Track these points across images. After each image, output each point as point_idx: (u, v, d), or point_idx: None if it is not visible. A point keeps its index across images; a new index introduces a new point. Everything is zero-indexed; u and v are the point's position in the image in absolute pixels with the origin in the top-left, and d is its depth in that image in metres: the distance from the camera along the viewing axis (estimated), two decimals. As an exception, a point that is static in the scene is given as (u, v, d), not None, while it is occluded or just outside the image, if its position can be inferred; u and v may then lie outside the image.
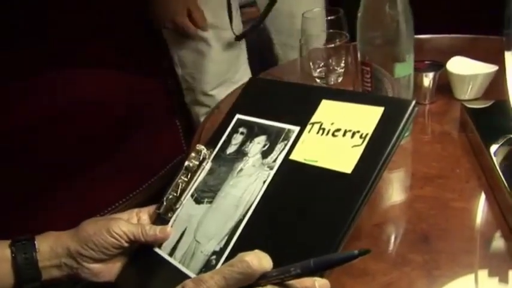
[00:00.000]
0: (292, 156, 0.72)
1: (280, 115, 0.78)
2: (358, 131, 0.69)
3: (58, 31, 1.79)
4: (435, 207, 0.75)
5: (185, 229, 0.75)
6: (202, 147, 0.82)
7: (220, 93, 1.61)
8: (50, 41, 1.79)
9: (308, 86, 0.94)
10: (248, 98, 0.87)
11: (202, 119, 1.62)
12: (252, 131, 0.80)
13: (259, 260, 0.55)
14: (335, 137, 0.71)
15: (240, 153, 0.78)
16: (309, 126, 0.75)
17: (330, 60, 1.00)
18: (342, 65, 1.01)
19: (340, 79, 1.02)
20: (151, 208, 0.81)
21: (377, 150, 0.66)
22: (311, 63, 1.01)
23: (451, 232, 0.70)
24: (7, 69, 1.71)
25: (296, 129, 0.75)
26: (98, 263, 0.74)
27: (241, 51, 1.65)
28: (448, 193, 0.77)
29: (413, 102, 0.67)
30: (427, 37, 1.29)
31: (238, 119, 0.84)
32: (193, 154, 0.81)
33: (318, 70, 1.01)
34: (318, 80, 1.02)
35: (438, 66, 1.00)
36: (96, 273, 0.74)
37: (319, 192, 0.66)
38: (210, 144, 0.83)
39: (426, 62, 1.01)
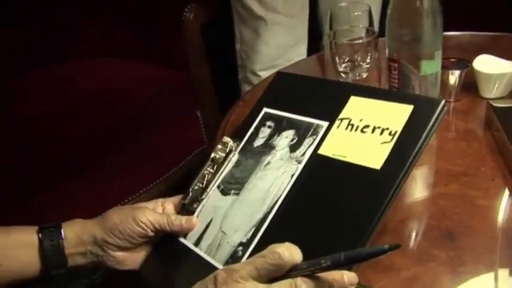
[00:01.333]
0: (321, 151, 0.73)
1: (309, 110, 0.79)
2: (387, 128, 0.70)
3: (81, 22, 1.82)
4: (460, 204, 0.75)
5: (211, 220, 0.76)
6: (229, 139, 0.83)
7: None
8: (73, 31, 1.81)
9: (336, 82, 0.95)
10: (275, 92, 0.88)
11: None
12: (280, 125, 0.80)
13: (290, 252, 0.56)
14: (364, 133, 0.72)
15: (268, 147, 0.78)
16: (337, 122, 0.75)
17: (356, 56, 1.01)
18: (368, 60, 1.01)
19: (365, 75, 1.02)
20: (176, 198, 0.81)
21: (406, 148, 0.67)
22: (337, 58, 1.01)
23: (476, 230, 0.71)
24: (32, 57, 1.73)
25: (325, 124, 0.76)
26: (123, 251, 0.75)
27: (300, 43, 1.66)
28: (473, 191, 0.78)
29: (443, 102, 0.68)
30: (448, 34, 1.29)
31: (266, 113, 0.84)
32: (219, 146, 0.82)
33: (344, 65, 1.02)
34: (342, 75, 1.02)
35: (464, 64, 1.00)
36: (121, 261, 0.75)
37: (348, 187, 0.67)
38: (237, 137, 0.84)
39: (452, 60, 1.01)
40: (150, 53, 1.71)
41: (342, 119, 0.75)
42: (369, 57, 1.00)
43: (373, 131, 0.71)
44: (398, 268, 0.65)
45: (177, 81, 1.66)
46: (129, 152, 1.54)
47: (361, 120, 0.73)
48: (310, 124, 0.77)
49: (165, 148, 1.61)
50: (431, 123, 0.68)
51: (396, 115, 0.71)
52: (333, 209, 0.66)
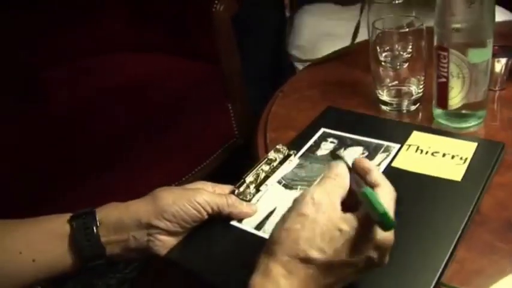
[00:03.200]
0: (395, 165, 0.77)
1: (373, 137, 0.82)
2: (458, 155, 0.77)
3: (110, 16, 1.81)
4: (517, 194, 0.74)
5: (274, 209, 0.73)
6: (284, 147, 0.83)
7: None
8: (101, 25, 1.80)
9: (395, 120, 0.96)
10: (330, 120, 0.91)
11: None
12: (344, 142, 0.83)
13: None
14: (435, 156, 0.78)
15: (335, 156, 0.77)
16: (405, 147, 0.81)
17: (396, 45, 0.98)
18: (409, 50, 0.99)
19: (405, 65, 0.99)
20: (226, 187, 0.76)
21: (480, 167, 0.74)
22: (378, 47, 0.99)
23: (538, 221, 0.69)
24: (63, 51, 1.73)
25: (396, 146, 0.81)
26: (170, 236, 0.68)
27: None
28: (529, 181, 0.76)
29: (503, 145, 0.79)
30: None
31: (325, 132, 0.88)
32: (273, 152, 0.83)
33: (384, 54, 0.99)
34: (382, 64, 1.00)
35: (510, 51, 0.98)
36: (168, 246, 0.68)
37: (428, 197, 0.71)
38: (292, 148, 0.84)
39: (497, 47, 0.98)
40: (178, 46, 1.70)
41: (409, 145, 0.81)
42: (410, 47, 0.98)
43: (443, 155, 0.78)
44: (461, 260, 0.63)
45: (207, 73, 1.65)
46: (161, 146, 1.54)
47: (429, 147, 0.80)
48: (380, 144, 0.81)
49: (197, 141, 1.60)
50: (497, 154, 0.77)
51: (463, 148, 0.79)
52: (413, 218, 0.67)
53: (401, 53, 0.99)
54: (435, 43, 0.85)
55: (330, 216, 0.53)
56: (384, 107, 0.98)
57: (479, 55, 0.82)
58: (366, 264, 0.54)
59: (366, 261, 0.53)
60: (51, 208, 1.29)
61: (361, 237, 0.52)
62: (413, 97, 0.96)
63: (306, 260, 0.52)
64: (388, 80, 0.97)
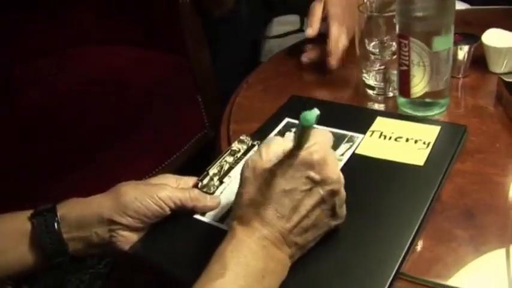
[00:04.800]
0: (359, 152, 0.77)
1: (336, 125, 0.81)
2: (420, 140, 0.77)
3: (77, 10, 1.78)
4: (477, 182, 0.74)
5: None
6: (248, 138, 0.83)
7: None
8: (68, 19, 1.77)
9: (358, 106, 0.96)
10: (294, 109, 0.90)
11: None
12: None
13: None
14: (398, 142, 0.78)
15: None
16: (369, 133, 0.81)
17: (384, 35, 0.95)
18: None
19: (395, 56, 0.96)
20: (190, 179, 0.76)
21: (443, 152, 0.74)
22: (366, 39, 0.97)
23: (496, 207, 0.69)
24: (32, 47, 1.70)
25: (360, 135, 0.80)
26: (132, 232, 0.68)
27: None
28: (490, 168, 0.76)
29: (465, 127, 0.79)
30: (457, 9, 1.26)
31: (289, 122, 0.87)
32: (237, 143, 0.82)
33: (372, 44, 0.97)
34: (372, 57, 0.97)
35: (473, 38, 0.98)
36: (131, 242, 0.68)
37: (393, 182, 0.70)
38: (256, 138, 0.83)
39: (459, 34, 0.99)
40: (146, 38, 1.68)
41: (373, 131, 0.81)
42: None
43: (406, 140, 0.78)
44: (420, 250, 0.63)
45: (175, 66, 1.63)
46: (131, 140, 1.52)
47: (392, 133, 0.80)
48: (344, 134, 0.81)
49: (167, 134, 1.59)
50: (460, 136, 0.77)
51: (426, 132, 0.79)
52: (374, 206, 0.67)
53: (390, 43, 0.96)
54: (397, 31, 0.85)
55: (262, 167, 0.58)
56: (369, 91, 0.98)
57: (441, 43, 0.82)
58: (311, 186, 0.58)
59: (308, 182, 0.57)
60: (18, 206, 1.28)
61: (287, 166, 0.57)
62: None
63: (252, 204, 0.58)
64: (375, 65, 0.97)
